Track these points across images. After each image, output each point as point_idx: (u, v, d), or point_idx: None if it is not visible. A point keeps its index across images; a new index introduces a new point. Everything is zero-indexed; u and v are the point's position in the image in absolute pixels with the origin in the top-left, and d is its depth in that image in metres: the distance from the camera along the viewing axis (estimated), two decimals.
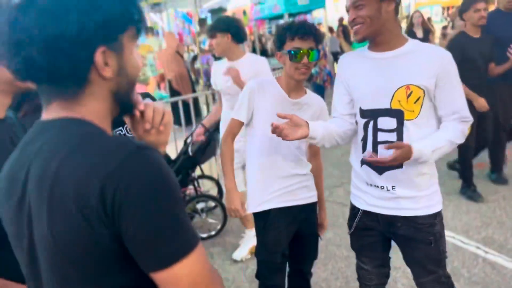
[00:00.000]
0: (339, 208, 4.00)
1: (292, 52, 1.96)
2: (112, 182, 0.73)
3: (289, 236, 2.18)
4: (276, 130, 1.76)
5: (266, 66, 3.08)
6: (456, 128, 1.75)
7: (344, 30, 10.11)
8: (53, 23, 0.74)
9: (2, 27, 0.77)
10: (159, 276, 0.78)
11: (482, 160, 4.53)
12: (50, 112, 0.84)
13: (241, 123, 2.14)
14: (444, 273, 1.91)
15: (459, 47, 3.73)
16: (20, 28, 0.75)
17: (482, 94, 3.72)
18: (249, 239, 3.37)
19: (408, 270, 2.89)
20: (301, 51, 1.95)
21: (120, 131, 1.88)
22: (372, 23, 1.71)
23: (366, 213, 1.94)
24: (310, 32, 1.95)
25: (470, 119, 1.77)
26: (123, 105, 0.91)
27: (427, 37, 6.33)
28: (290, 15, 8.67)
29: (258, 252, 2.19)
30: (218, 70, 3.22)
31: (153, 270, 0.78)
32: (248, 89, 2.10)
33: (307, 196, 2.19)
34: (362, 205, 1.95)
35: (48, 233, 0.78)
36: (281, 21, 14.33)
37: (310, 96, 2.16)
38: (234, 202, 2.13)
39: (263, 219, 2.14)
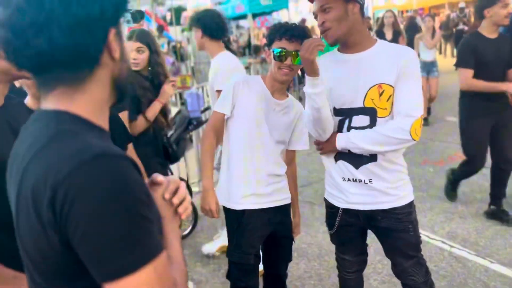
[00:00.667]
0: (309, 207, 4.04)
1: (277, 51, 1.96)
2: (61, 191, 0.71)
3: (263, 238, 2.15)
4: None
5: (240, 64, 3.09)
6: (393, 122, 1.79)
7: None
8: (78, 4, 0.75)
9: (12, 13, 0.74)
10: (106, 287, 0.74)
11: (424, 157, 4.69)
12: (48, 102, 0.83)
13: (223, 116, 2.11)
14: (422, 255, 2.01)
15: (471, 49, 3.33)
16: (44, 10, 0.74)
17: (495, 108, 3.36)
18: (224, 238, 3.34)
19: (379, 265, 2.97)
20: (285, 52, 1.95)
21: None
22: (340, 26, 1.77)
23: (346, 211, 1.98)
24: (298, 35, 1.96)
25: (416, 114, 1.75)
26: (120, 91, 0.90)
27: (396, 39, 6.20)
28: (254, 15, 8.68)
29: (231, 253, 2.14)
30: None
31: (100, 282, 0.74)
32: (233, 83, 2.08)
33: (282, 198, 2.18)
34: (341, 204, 1.99)
35: (17, 232, 0.80)
36: (242, 21, 14.35)
37: (292, 100, 2.18)
38: (210, 203, 2.07)
39: (237, 220, 2.11)
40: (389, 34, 6.32)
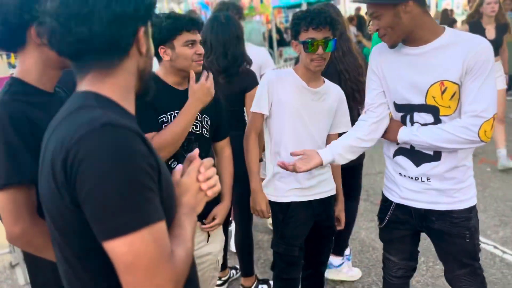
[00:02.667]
0: None
1: (307, 43, 1.92)
2: (72, 152, 0.81)
3: (307, 230, 2.15)
4: (288, 167, 1.84)
5: (268, 57, 3.10)
6: (460, 121, 1.64)
7: (360, 22, 9.77)
8: (116, 2, 0.88)
9: (59, 5, 0.87)
10: (104, 246, 0.81)
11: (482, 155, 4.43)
12: (81, 85, 0.95)
13: (263, 116, 2.10)
14: (479, 266, 1.87)
15: None
16: (87, 4, 0.86)
17: None
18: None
19: (423, 266, 2.87)
20: (316, 42, 1.91)
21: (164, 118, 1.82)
22: (394, 31, 1.66)
23: (399, 206, 1.89)
24: (325, 22, 1.90)
25: (486, 115, 1.62)
26: (144, 83, 1.02)
27: (501, 37, 4.54)
28: (309, 3, 8.55)
29: (276, 244, 2.17)
30: None
31: (100, 240, 0.81)
32: (266, 80, 2.07)
33: (327, 189, 2.16)
34: (395, 198, 1.90)
35: (40, 190, 0.92)
36: (298, 10, 14.16)
37: (329, 85, 2.13)
38: (261, 204, 2.12)
39: (282, 212, 2.12)
40: (491, 30, 4.49)
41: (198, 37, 1.82)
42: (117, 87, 0.94)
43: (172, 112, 1.82)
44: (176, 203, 1.00)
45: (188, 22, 1.78)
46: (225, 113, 2.06)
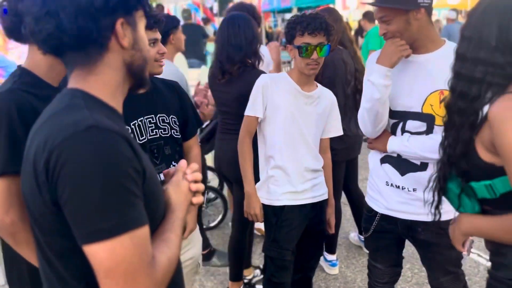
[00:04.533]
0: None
1: (302, 47, 1.93)
2: (55, 154, 0.80)
3: (299, 234, 2.15)
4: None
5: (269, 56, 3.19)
6: None
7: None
8: None
9: (33, 4, 0.86)
10: (84, 250, 0.81)
11: None
12: (70, 82, 0.94)
13: (257, 119, 2.09)
14: (462, 272, 1.89)
15: None
16: (54, 0, 0.85)
17: None
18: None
19: (409, 273, 2.88)
20: (310, 47, 1.92)
21: (151, 119, 1.74)
22: (402, 37, 1.67)
23: (384, 217, 1.89)
24: (320, 27, 1.93)
25: None
26: (136, 77, 0.99)
27: None
28: (299, 9, 8.60)
29: (268, 248, 2.16)
30: None
31: (80, 243, 0.81)
32: (261, 84, 2.06)
33: (320, 193, 2.17)
34: (380, 209, 1.90)
35: (22, 189, 0.92)
36: (287, 15, 14.23)
37: (322, 89, 2.14)
38: (255, 208, 2.12)
39: (275, 215, 2.11)
40: None
41: (159, 35, 1.76)
42: (102, 84, 0.93)
43: (136, 121, 1.70)
44: (165, 207, 0.99)
45: (149, 19, 1.74)
46: (192, 109, 1.95)
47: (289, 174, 2.08)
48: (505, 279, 1.34)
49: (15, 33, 1.32)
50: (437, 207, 1.50)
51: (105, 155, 0.80)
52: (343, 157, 2.78)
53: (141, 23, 0.98)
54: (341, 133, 2.23)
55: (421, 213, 1.78)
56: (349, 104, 2.77)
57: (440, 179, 1.40)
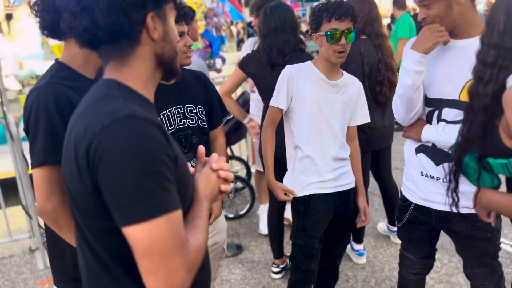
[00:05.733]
0: (369, 197, 3.94)
1: (330, 33, 1.92)
2: (95, 141, 0.85)
3: (327, 222, 2.17)
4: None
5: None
6: None
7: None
8: None
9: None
10: (123, 231, 0.86)
11: None
12: (106, 73, 0.99)
13: (281, 110, 2.10)
14: (498, 263, 1.85)
15: None
16: None
17: None
18: (265, 213, 3.43)
19: (438, 263, 2.85)
20: (338, 32, 1.91)
21: (179, 109, 1.80)
22: (443, 22, 1.62)
23: (418, 207, 1.86)
24: (347, 13, 1.92)
25: None
26: (167, 68, 1.03)
27: None
28: None
29: (296, 236, 2.19)
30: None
31: (119, 225, 0.86)
32: (285, 75, 2.07)
33: (347, 182, 2.17)
34: (414, 199, 1.87)
35: (63, 172, 0.98)
36: (316, 4, 14.00)
37: (348, 77, 2.13)
38: (278, 195, 2.16)
39: (303, 204, 2.13)
40: None
41: (185, 28, 1.79)
42: (135, 76, 0.97)
43: (165, 111, 1.76)
44: (193, 194, 1.04)
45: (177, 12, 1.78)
46: (217, 99, 1.99)
47: (317, 164, 2.09)
48: None
49: (52, 30, 1.38)
50: (454, 191, 1.49)
51: (141, 142, 0.85)
52: (366, 148, 2.74)
53: (171, 15, 1.01)
54: (368, 120, 2.21)
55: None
56: (369, 95, 2.72)
57: (456, 162, 1.40)
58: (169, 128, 1.77)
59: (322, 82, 2.04)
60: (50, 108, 1.30)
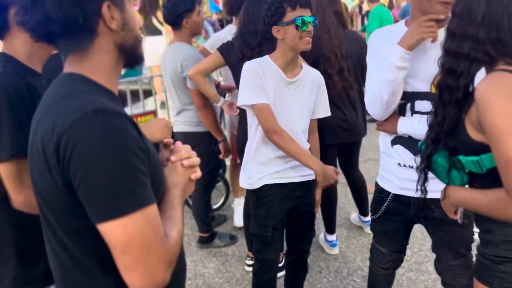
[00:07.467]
0: (342, 189, 3.97)
1: (300, 19, 1.91)
2: (64, 137, 0.82)
3: (282, 212, 2.16)
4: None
5: None
6: None
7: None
8: None
9: None
10: (99, 228, 0.84)
11: None
12: (65, 67, 0.96)
13: (268, 105, 2.01)
14: (472, 256, 1.87)
15: None
16: None
17: None
18: (240, 207, 3.45)
19: (408, 252, 2.90)
20: (306, 19, 1.91)
21: None
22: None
23: (397, 197, 1.88)
24: (309, 0, 1.95)
25: None
26: (130, 56, 1.01)
27: None
28: None
29: (251, 226, 2.20)
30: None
31: (94, 222, 0.84)
32: (252, 69, 2.01)
33: (305, 174, 2.14)
34: (393, 189, 1.88)
35: (31, 174, 0.95)
36: None
37: (307, 70, 2.10)
38: (334, 175, 2.05)
39: (255, 193, 2.14)
40: None
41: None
42: (98, 69, 0.94)
43: None
44: (165, 184, 1.02)
45: None
46: None
47: (272, 158, 2.08)
48: (492, 255, 1.36)
49: None
50: (423, 184, 1.51)
51: (113, 136, 0.83)
52: (330, 141, 2.77)
53: (129, 2, 0.98)
54: (329, 114, 2.21)
55: (435, 190, 1.71)
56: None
57: (426, 156, 1.41)
58: None
59: (280, 79, 2.02)
60: (12, 97, 1.23)
